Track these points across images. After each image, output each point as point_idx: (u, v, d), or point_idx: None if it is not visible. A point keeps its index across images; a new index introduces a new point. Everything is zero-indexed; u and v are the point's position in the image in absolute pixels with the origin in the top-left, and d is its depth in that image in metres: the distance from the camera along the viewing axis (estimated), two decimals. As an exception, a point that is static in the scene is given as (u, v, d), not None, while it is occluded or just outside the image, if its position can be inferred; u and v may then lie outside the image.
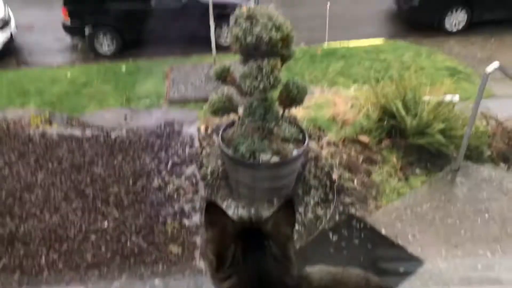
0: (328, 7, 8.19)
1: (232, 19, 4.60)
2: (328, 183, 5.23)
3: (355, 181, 5.29)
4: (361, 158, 5.59)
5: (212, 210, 1.11)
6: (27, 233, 4.62)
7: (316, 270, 1.18)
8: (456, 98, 6.20)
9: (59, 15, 8.94)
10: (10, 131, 6.04)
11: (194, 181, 5.27)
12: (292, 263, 1.08)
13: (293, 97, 4.72)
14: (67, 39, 9.50)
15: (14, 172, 5.35)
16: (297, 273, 1.09)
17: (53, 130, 6.06)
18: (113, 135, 5.98)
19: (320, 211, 4.88)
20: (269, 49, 4.46)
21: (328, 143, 5.82)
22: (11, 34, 8.92)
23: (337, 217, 4.89)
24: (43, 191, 5.09)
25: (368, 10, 10.32)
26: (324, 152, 5.66)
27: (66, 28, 8.92)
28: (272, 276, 1.04)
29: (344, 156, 5.62)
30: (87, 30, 8.70)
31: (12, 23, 9.10)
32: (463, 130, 5.38)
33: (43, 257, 4.40)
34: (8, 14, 9.13)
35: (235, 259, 1.05)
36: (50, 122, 6.31)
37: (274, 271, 1.04)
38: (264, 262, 1.04)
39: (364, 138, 5.78)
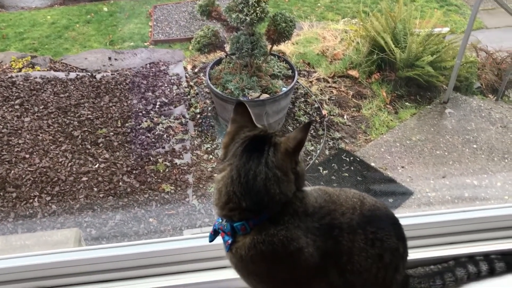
0: None
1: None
2: (318, 118, 5.23)
3: (345, 116, 5.29)
4: (350, 93, 5.56)
5: (239, 110, 1.16)
6: (18, 177, 4.59)
7: (314, 190, 1.18)
8: (446, 30, 6.11)
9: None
10: (-9, 76, 5.88)
11: (183, 121, 5.22)
12: (284, 176, 1.07)
13: (281, 31, 4.60)
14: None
15: (0, 117, 5.25)
16: (288, 190, 1.08)
17: (36, 73, 5.89)
18: (98, 77, 5.84)
19: (310, 147, 4.90)
20: (255, -20, 4.29)
21: (318, 79, 5.76)
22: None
23: (327, 152, 4.92)
24: (31, 134, 5.02)
25: None
26: (314, 88, 5.61)
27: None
28: (257, 179, 1.04)
29: (334, 91, 5.58)
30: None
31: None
32: (452, 62, 5.34)
33: (36, 200, 4.40)
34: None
35: (235, 153, 1.09)
36: (32, 65, 6.13)
37: (261, 174, 1.04)
38: (256, 163, 1.05)
39: (353, 73, 5.73)
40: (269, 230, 1.06)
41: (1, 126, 5.12)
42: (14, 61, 6.18)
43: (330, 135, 5.06)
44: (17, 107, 5.37)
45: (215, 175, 1.16)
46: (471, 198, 4.44)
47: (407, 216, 1.53)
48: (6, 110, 5.34)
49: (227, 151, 1.11)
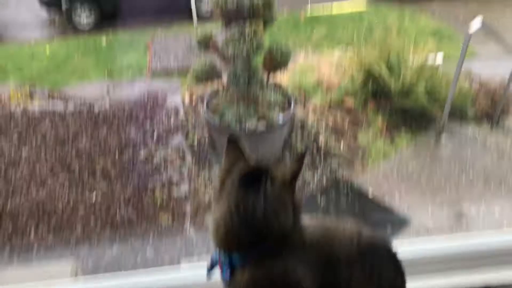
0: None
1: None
2: (314, 147, 5.26)
3: (342, 144, 5.32)
4: (346, 121, 5.61)
5: (233, 145, 1.16)
6: (14, 209, 4.58)
7: (311, 221, 1.18)
8: (439, 57, 6.21)
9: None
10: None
11: (180, 150, 5.25)
12: (283, 208, 1.07)
13: (277, 61, 4.68)
14: (43, 13, 9.24)
15: (-4, 149, 5.27)
16: (288, 223, 1.08)
17: (35, 105, 5.95)
18: (96, 108, 5.90)
19: (307, 176, 4.91)
20: (251, 13, 4.39)
21: (314, 108, 5.82)
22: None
23: (324, 181, 4.93)
24: (28, 166, 5.03)
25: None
26: (310, 117, 5.66)
27: (42, 1, 8.66)
28: (257, 213, 1.04)
29: (330, 120, 5.63)
30: (63, 3, 8.46)
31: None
32: (447, 91, 5.41)
33: (32, 232, 4.38)
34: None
35: (232, 187, 1.08)
36: (31, 97, 6.19)
37: (260, 208, 1.04)
38: (255, 196, 1.05)
39: (349, 102, 5.79)
40: (268, 263, 1.06)
41: (-1, 158, 5.14)
42: (12, 93, 6.23)
43: (327, 163, 5.08)
44: (15, 138, 5.39)
45: (212, 209, 1.15)
46: (468, 225, 4.43)
47: (405, 246, 1.53)
48: (4, 141, 5.37)
49: (223, 186, 1.11)
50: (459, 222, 4.44)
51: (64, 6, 8.50)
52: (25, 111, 5.84)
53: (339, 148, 5.28)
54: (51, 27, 9.06)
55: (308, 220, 1.18)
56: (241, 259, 1.08)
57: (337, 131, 5.49)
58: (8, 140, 5.43)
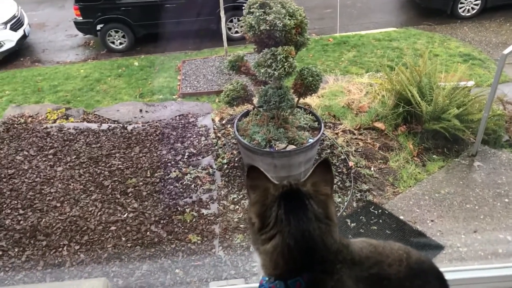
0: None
1: (245, 8, 4.61)
2: (344, 170, 5.23)
3: (372, 168, 5.28)
4: (377, 145, 5.57)
5: (254, 175, 1.13)
6: (48, 225, 4.67)
7: (357, 241, 1.18)
8: (471, 83, 6.14)
9: (71, 13, 9.01)
10: (28, 127, 6.12)
11: (210, 171, 5.29)
12: (333, 223, 1.08)
13: (308, 84, 4.71)
14: (79, 36, 9.57)
15: (34, 166, 5.41)
16: (338, 237, 1.09)
17: (70, 124, 6.11)
18: (129, 128, 6.02)
19: (337, 198, 4.87)
20: (283, 36, 4.46)
21: (344, 131, 5.81)
22: (25, 33, 9.01)
23: (354, 204, 4.88)
24: (63, 184, 5.15)
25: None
26: (340, 140, 5.65)
27: (78, 25, 8.99)
28: (314, 235, 1.03)
29: (360, 143, 5.61)
30: (98, 27, 8.76)
31: (25, 22, 9.20)
32: (479, 115, 5.33)
33: (65, 248, 4.45)
34: (21, 13, 9.22)
35: (278, 219, 1.05)
36: (66, 117, 6.37)
37: (316, 230, 1.04)
38: (307, 221, 1.04)
39: (379, 125, 5.77)
40: (324, 281, 1.05)
41: (35, 175, 5.27)
42: (49, 112, 6.43)
43: (357, 187, 5.04)
44: (50, 156, 5.54)
45: (260, 246, 1.09)
46: (505, 254, 4.30)
47: (449, 271, 1.50)
48: (40, 159, 5.52)
49: (263, 219, 1.08)
50: (494, 250, 4.32)
51: (98, 30, 8.79)
52: (60, 130, 6.00)
53: (370, 171, 5.24)
54: (86, 50, 9.37)
55: (356, 239, 1.18)
56: (297, 283, 1.05)
57: (367, 154, 5.46)
58: (44, 158, 5.58)
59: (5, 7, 9.06)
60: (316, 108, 6.13)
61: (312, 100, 6.20)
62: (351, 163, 5.29)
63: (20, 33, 8.86)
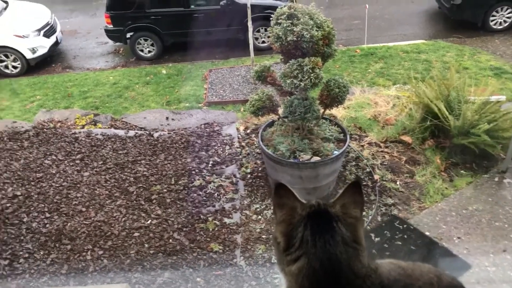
0: (367, 8, 8.10)
1: (272, 19, 4.62)
2: (370, 183, 5.16)
3: (398, 181, 5.20)
4: (403, 158, 5.49)
5: (281, 192, 1.10)
6: (73, 230, 4.74)
7: (385, 263, 1.15)
8: (503, 98, 6.00)
9: (102, 21, 9.21)
10: (57, 132, 6.25)
11: (234, 180, 5.30)
12: (362, 247, 1.05)
13: (334, 96, 4.68)
14: (109, 44, 9.76)
15: (61, 171, 5.52)
16: (366, 261, 1.06)
17: (98, 130, 6.22)
18: (155, 135, 6.09)
19: (361, 212, 4.80)
20: (310, 47, 4.45)
21: (369, 143, 5.74)
22: (57, 40, 9.25)
23: (379, 218, 4.81)
24: (89, 189, 5.23)
25: (407, 10, 10.16)
26: (365, 152, 5.58)
27: (108, 33, 9.18)
28: (341, 260, 1.01)
29: (386, 157, 5.53)
30: (128, 35, 8.92)
31: (58, 29, 9.44)
32: (510, 131, 5.20)
33: (89, 253, 4.51)
34: (54, 20, 9.47)
35: (304, 240, 1.03)
36: (94, 123, 6.49)
37: (343, 254, 1.01)
38: (334, 244, 1.02)
39: (406, 138, 5.68)
40: None
41: (62, 180, 5.37)
42: (78, 118, 6.57)
43: (382, 200, 4.96)
44: (77, 161, 5.64)
45: (285, 267, 1.07)
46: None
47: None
48: (67, 164, 5.62)
49: (289, 239, 1.06)
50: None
51: (128, 38, 8.95)
52: (88, 136, 6.11)
53: (395, 185, 5.16)
54: (116, 57, 9.54)
55: (380, 261, 1.15)
56: None
57: (393, 168, 5.37)
58: (71, 162, 5.68)
59: (39, 14, 9.33)
60: (342, 119, 6.08)
61: (338, 112, 6.15)
62: (376, 177, 5.21)
63: (52, 39, 9.10)
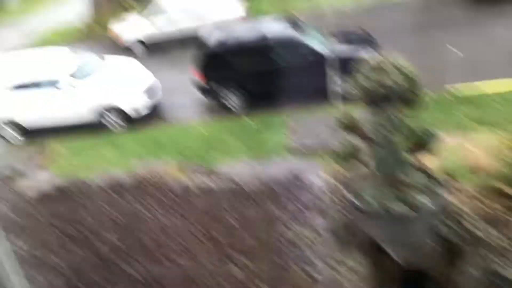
0: (452, 51, 7.80)
1: (358, 70, 4.66)
2: (468, 237, 4.83)
3: (497, 235, 4.82)
4: (504, 209, 5.10)
5: (373, 250, 1.11)
6: (162, 276, 4.94)
7: None
8: None
9: (192, 78, 9.79)
10: (151, 181, 6.66)
11: (323, 233, 5.24)
12: None
13: (423, 144, 4.55)
14: (199, 97, 10.31)
15: (156, 220, 5.84)
16: None
17: (189, 180, 6.54)
18: (243, 186, 6.27)
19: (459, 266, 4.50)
20: (398, 98, 4.42)
21: (464, 194, 5.42)
22: (158, 98, 10.00)
23: (478, 275, 4.46)
24: (179, 236, 5.46)
25: (498, 51, 9.57)
26: (461, 203, 5.27)
27: (200, 89, 9.73)
28: None
29: (483, 208, 5.18)
30: (218, 91, 9.42)
31: (160, 90, 10.20)
32: None
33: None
34: (155, 81, 10.23)
35: None
36: (186, 172, 6.83)
37: None
38: None
39: (506, 188, 5.29)
40: None
41: (155, 226, 5.66)
42: (173, 169, 6.96)
43: (480, 255, 4.61)
44: (171, 211, 5.94)
45: None
46: None
47: None
48: (159, 211, 5.95)
49: None
50: None
51: (218, 94, 9.45)
52: (179, 185, 6.45)
53: (495, 238, 4.78)
54: (205, 109, 10.04)
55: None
56: None
57: (492, 220, 5.01)
58: (164, 210, 6.00)
59: (143, 77, 10.15)
60: (434, 168, 5.81)
61: (429, 160, 5.90)
62: (478, 232, 4.87)
63: (154, 99, 9.86)
